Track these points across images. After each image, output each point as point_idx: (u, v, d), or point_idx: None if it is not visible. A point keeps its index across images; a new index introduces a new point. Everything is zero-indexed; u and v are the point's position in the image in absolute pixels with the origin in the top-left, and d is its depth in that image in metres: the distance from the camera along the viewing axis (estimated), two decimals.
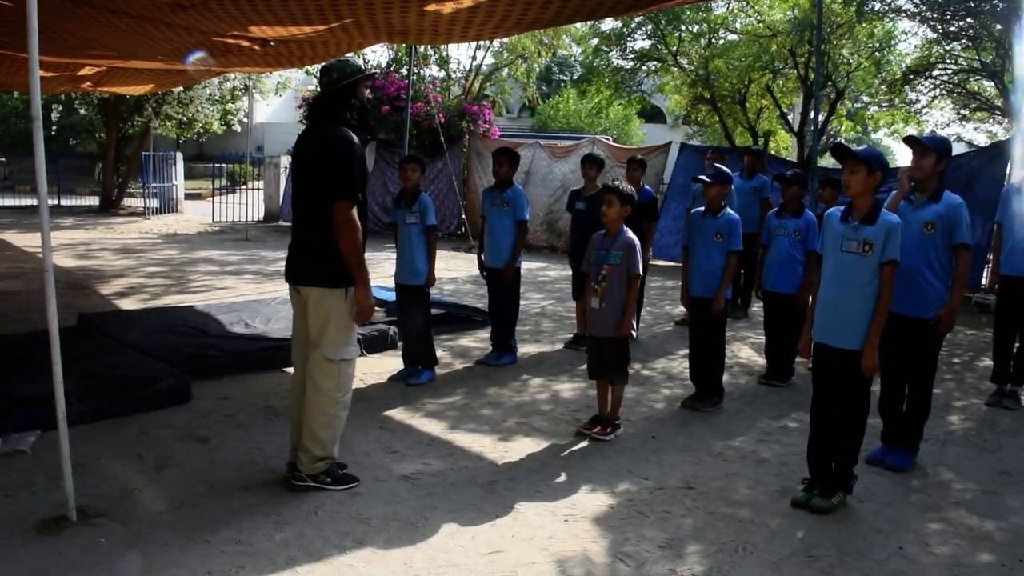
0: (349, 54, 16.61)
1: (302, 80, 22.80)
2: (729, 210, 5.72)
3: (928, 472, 4.69)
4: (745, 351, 7.54)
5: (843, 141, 4.84)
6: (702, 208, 5.77)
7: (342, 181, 3.85)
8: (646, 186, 7.66)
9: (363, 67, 4.14)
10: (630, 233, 5.04)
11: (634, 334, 5.11)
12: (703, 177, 5.78)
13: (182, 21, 5.90)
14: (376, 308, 4.32)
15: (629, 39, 16.12)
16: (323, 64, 4.24)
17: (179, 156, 20.03)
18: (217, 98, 19.15)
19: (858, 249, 3.97)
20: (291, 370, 6.07)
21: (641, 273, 5.07)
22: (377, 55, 18.75)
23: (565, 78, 36.73)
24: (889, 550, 3.69)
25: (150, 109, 18.35)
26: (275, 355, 6.33)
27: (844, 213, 4.08)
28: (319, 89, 4.10)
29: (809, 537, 3.78)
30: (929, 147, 4.50)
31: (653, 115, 33.26)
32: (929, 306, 4.58)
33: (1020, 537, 3.91)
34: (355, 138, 3.95)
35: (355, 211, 3.88)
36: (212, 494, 3.98)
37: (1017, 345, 6.30)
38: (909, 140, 4.61)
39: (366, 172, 4.06)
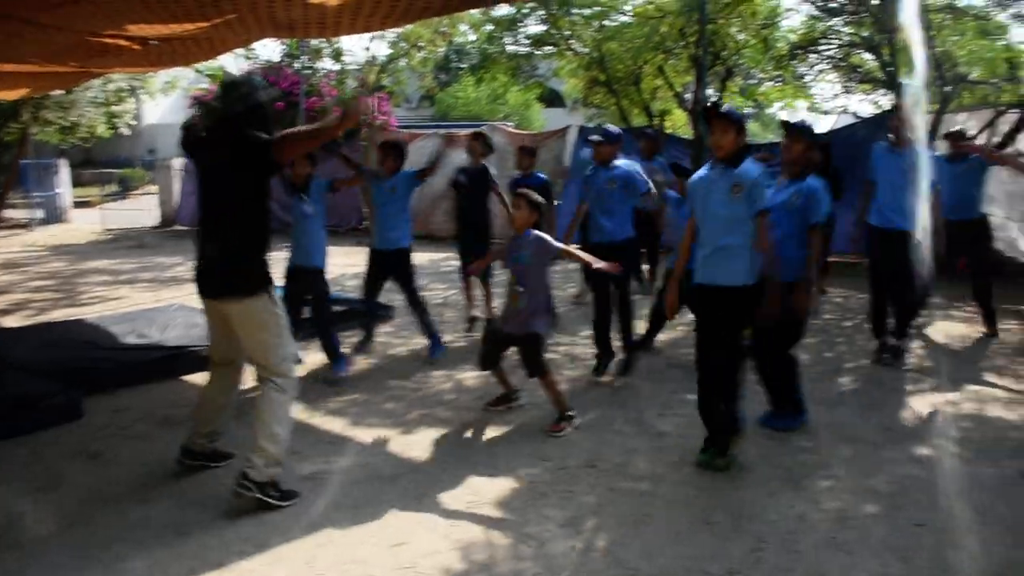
0: (239, 50, 16.19)
1: (193, 79, 22.11)
2: (623, 162, 5.87)
3: (819, 433, 4.88)
4: (642, 326, 7.66)
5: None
6: (594, 166, 5.94)
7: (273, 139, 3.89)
8: (538, 172, 7.81)
9: (266, 85, 4.14)
10: (534, 231, 5.11)
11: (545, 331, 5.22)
12: (594, 137, 5.97)
13: (50, 20, 5.66)
14: None
15: (522, 24, 16.18)
16: (229, 80, 4.19)
17: (63, 163, 19.17)
18: (101, 100, 18.37)
19: (729, 191, 4.18)
20: (188, 378, 6.02)
21: (561, 246, 5.17)
22: (268, 50, 18.38)
23: (464, 66, 36.62)
24: (782, 511, 3.85)
25: (28, 114, 17.49)
26: (172, 364, 6.17)
27: (711, 164, 4.31)
28: (224, 105, 4.01)
29: (706, 504, 3.91)
30: (798, 132, 4.81)
31: (553, 100, 33.44)
32: (796, 270, 4.76)
33: (902, 488, 4.12)
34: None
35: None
36: (107, 510, 3.87)
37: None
38: (785, 125, 4.97)
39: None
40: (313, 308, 6.14)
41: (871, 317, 6.70)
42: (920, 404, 5.50)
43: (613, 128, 6.17)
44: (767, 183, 4.43)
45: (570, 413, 5.06)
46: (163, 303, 8.50)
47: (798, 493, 4.04)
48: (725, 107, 4.26)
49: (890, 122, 6.60)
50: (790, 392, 4.97)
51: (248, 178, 3.92)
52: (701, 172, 4.42)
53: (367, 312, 6.90)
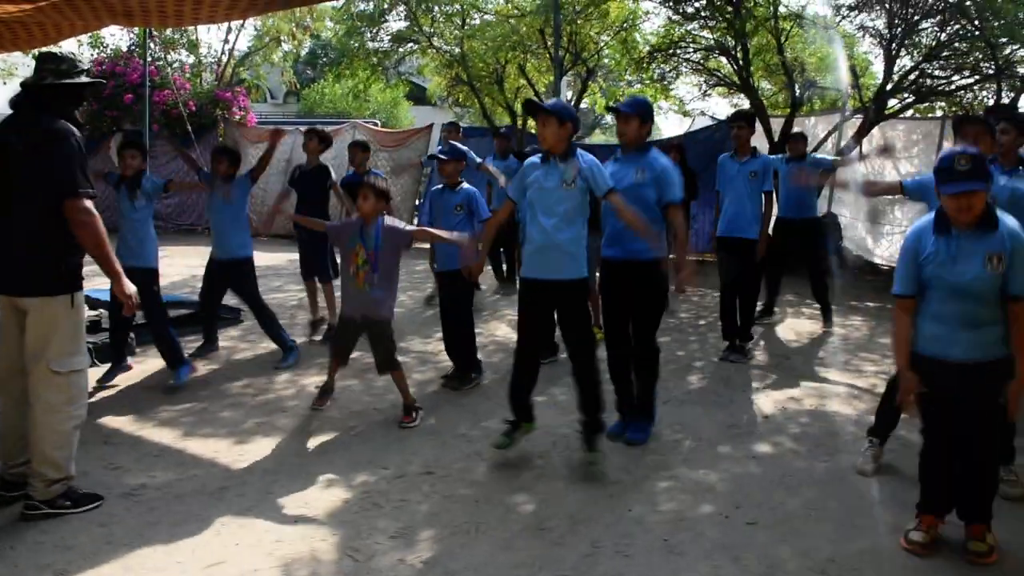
0: (83, 36, 15.21)
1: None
2: (466, 184, 5.76)
3: (663, 432, 4.89)
4: (502, 329, 7.61)
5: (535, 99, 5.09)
6: (440, 185, 5.79)
7: (74, 176, 3.53)
8: (373, 169, 7.74)
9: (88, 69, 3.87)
10: (389, 218, 5.00)
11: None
12: (438, 154, 5.85)
13: None
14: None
15: (384, 21, 15.89)
16: (51, 52, 3.81)
17: None
18: None
19: (562, 185, 4.14)
20: None
21: (412, 228, 5.18)
22: (116, 38, 17.41)
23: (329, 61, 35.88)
24: (618, 513, 3.81)
25: None
26: None
27: (542, 158, 4.25)
28: (40, 76, 3.67)
29: (542, 510, 3.83)
30: (630, 112, 4.64)
31: (421, 97, 33.13)
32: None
33: (739, 486, 4.16)
34: (78, 131, 3.64)
35: (91, 204, 3.57)
36: None
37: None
38: (610, 109, 4.87)
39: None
40: (145, 312, 5.74)
41: (722, 318, 6.82)
42: (764, 401, 5.62)
43: (457, 145, 6.08)
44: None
45: (418, 405, 5.14)
46: None
47: (636, 495, 4.02)
48: (549, 102, 4.24)
49: (732, 132, 6.70)
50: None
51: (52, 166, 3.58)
52: (533, 164, 4.31)
53: (207, 316, 6.57)
